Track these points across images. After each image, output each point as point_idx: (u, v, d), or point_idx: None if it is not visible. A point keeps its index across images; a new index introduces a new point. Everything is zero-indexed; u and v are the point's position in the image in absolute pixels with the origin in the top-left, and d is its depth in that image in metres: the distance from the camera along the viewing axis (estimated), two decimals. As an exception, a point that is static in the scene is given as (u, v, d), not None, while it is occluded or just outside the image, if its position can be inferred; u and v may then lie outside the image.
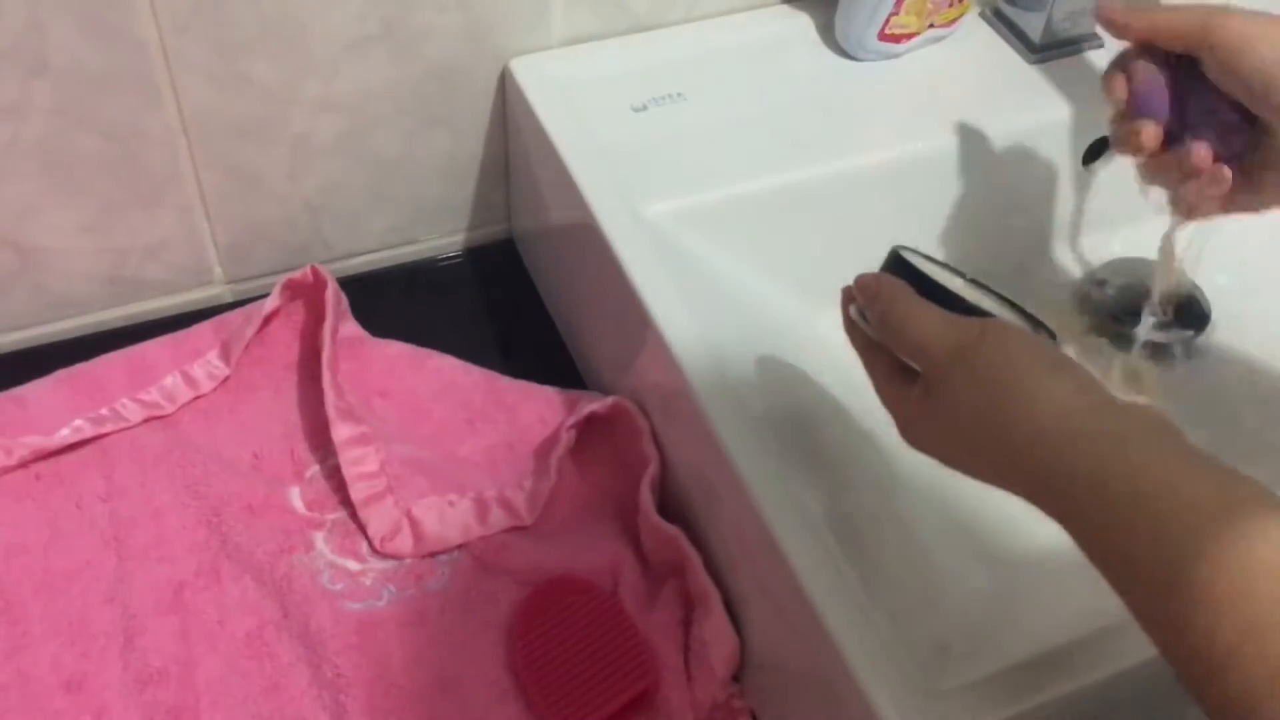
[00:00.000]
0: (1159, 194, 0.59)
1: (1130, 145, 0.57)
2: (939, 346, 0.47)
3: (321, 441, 0.68)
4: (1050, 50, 0.76)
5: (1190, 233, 0.67)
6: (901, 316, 0.49)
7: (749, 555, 0.57)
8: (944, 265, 0.54)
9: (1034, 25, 0.75)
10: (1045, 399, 0.44)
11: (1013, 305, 0.53)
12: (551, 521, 0.66)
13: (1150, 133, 0.56)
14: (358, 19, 0.67)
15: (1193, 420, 0.68)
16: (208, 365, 0.70)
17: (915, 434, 0.50)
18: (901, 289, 0.50)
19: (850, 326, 0.53)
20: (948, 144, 0.71)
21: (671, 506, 0.64)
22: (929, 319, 0.48)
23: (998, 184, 0.73)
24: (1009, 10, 0.77)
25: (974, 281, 0.54)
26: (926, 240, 0.73)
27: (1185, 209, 0.59)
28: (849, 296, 0.53)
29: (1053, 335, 0.52)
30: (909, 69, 0.75)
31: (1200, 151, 0.55)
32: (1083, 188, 0.76)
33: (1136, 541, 0.39)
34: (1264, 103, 0.53)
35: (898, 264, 0.53)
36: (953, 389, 0.46)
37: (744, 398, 0.57)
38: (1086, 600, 0.57)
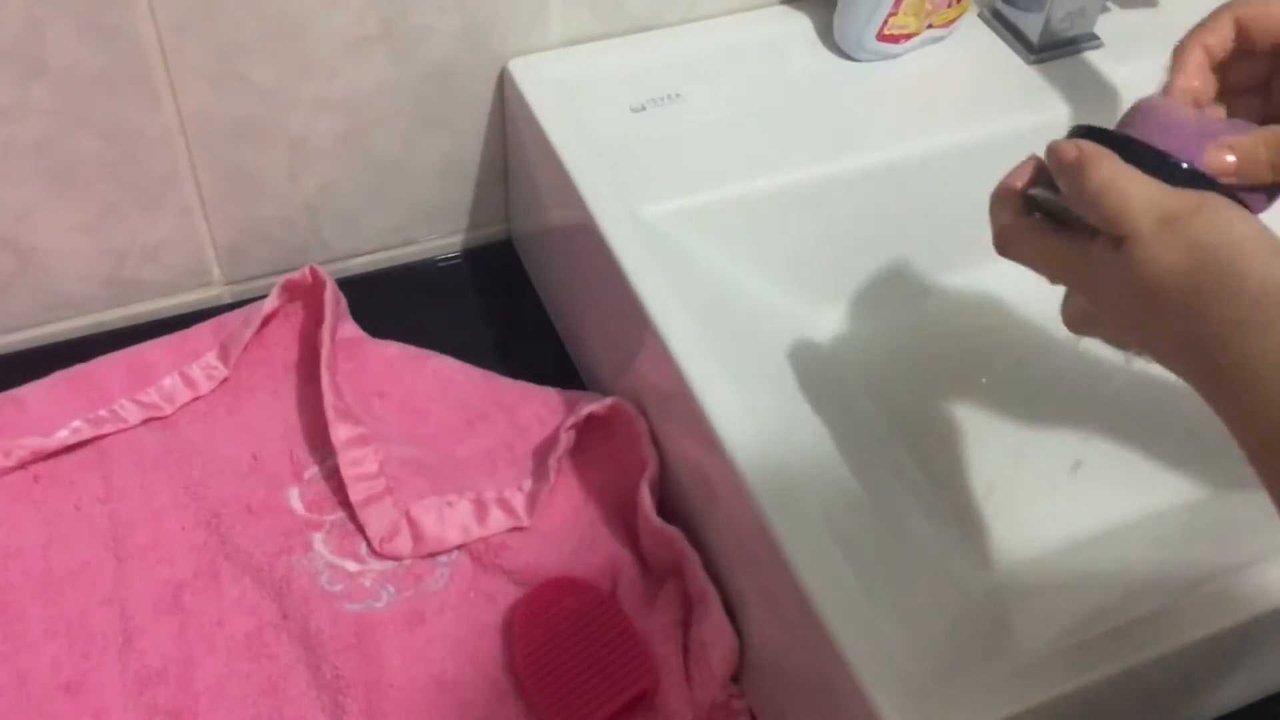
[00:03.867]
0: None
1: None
2: (1149, 213, 0.44)
3: (320, 442, 0.68)
4: (1049, 51, 0.76)
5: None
6: (1106, 179, 0.45)
7: (748, 556, 0.57)
8: None
9: (1033, 26, 0.75)
10: (1255, 279, 0.41)
11: (1229, 187, 0.47)
12: (550, 522, 0.66)
13: None
14: (356, 20, 0.67)
15: (1192, 420, 0.68)
16: (206, 366, 0.70)
17: (1094, 294, 0.47)
18: (1104, 152, 0.46)
19: (1008, 203, 0.50)
20: (946, 144, 0.71)
21: (670, 507, 0.64)
22: (1136, 182, 0.44)
23: (996, 185, 0.72)
24: (1008, 11, 0.77)
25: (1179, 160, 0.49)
26: (925, 240, 0.73)
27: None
28: (1030, 172, 0.50)
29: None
30: (907, 69, 0.75)
31: None
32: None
33: None
34: None
35: (1087, 132, 0.48)
36: (1156, 252, 0.43)
37: (742, 398, 0.57)
38: (1086, 601, 0.57)
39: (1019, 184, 0.50)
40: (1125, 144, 0.47)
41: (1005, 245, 0.51)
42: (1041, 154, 0.50)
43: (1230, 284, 0.41)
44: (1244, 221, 0.43)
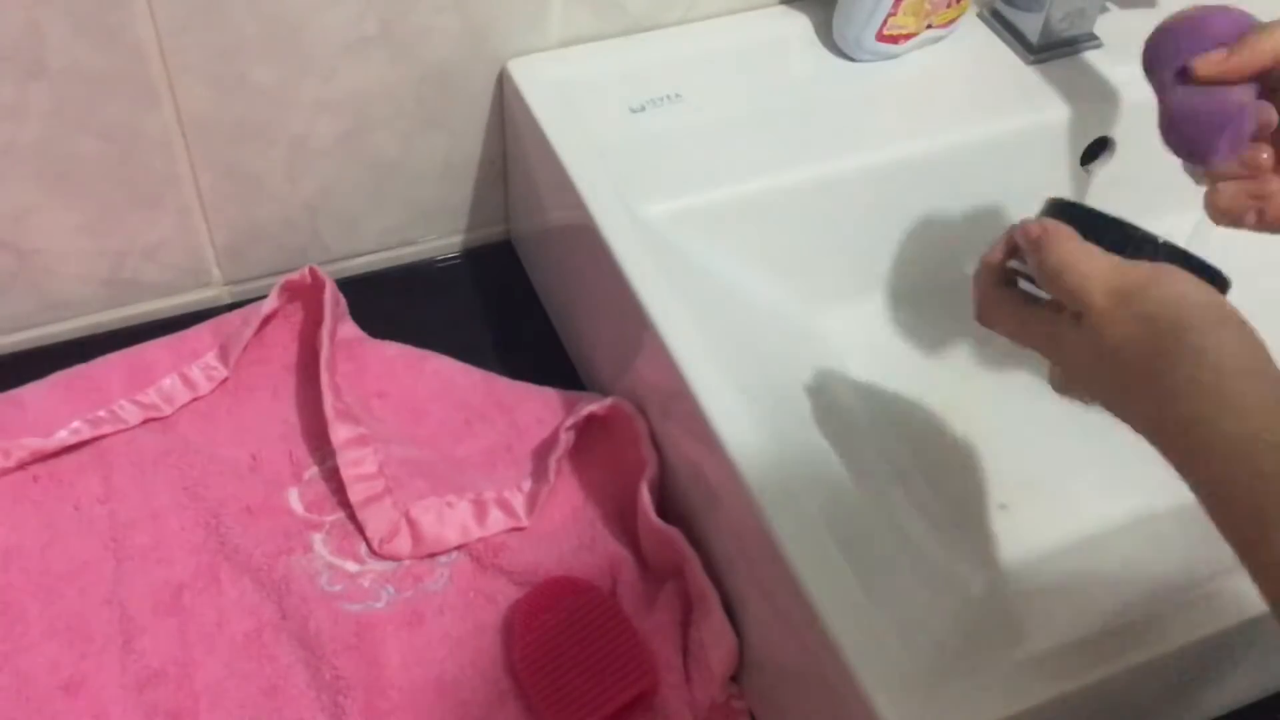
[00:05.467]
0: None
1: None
2: (1102, 286, 0.46)
3: (320, 443, 0.68)
4: (1048, 51, 0.76)
5: (1189, 233, 0.67)
6: (1065, 258, 0.48)
7: (748, 556, 0.57)
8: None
9: (1032, 26, 0.75)
10: (1211, 352, 0.42)
11: (1186, 253, 0.50)
12: (550, 522, 0.66)
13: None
14: (356, 20, 0.67)
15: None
16: (206, 367, 0.70)
17: (1064, 365, 0.49)
18: (1065, 231, 0.49)
19: (989, 274, 0.52)
20: (946, 145, 0.71)
21: (670, 507, 0.64)
22: (1095, 262, 0.47)
23: (995, 185, 0.73)
24: (1007, 11, 0.77)
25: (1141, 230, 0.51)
26: (925, 240, 0.73)
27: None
28: (1007, 247, 0.52)
29: (1227, 283, 0.49)
30: (907, 70, 0.75)
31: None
32: (1081, 188, 0.76)
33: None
34: None
35: (1059, 208, 0.51)
36: (1113, 329, 0.45)
37: (742, 398, 0.57)
38: (1086, 600, 0.57)
39: (998, 257, 0.53)
40: (1089, 217, 0.49)
41: (983, 314, 0.53)
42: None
43: (1186, 359, 0.43)
44: (1195, 292, 0.45)
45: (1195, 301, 0.45)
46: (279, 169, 0.72)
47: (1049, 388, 0.53)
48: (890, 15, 0.72)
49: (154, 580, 0.62)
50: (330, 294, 0.71)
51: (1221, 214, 0.56)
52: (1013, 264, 0.52)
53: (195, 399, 0.70)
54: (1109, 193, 0.76)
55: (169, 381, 0.70)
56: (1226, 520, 0.41)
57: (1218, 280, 0.49)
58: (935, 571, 0.60)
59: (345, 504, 0.65)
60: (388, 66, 0.70)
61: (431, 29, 0.69)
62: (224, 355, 0.71)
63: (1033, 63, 0.75)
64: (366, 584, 0.63)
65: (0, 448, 0.65)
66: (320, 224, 0.76)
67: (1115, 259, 0.47)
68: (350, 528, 0.65)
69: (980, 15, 0.79)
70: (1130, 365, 0.45)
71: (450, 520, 0.64)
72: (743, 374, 0.59)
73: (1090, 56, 0.76)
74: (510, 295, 0.80)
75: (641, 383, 0.65)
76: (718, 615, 0.59)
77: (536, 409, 0.71)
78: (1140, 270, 0.46)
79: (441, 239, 0.81)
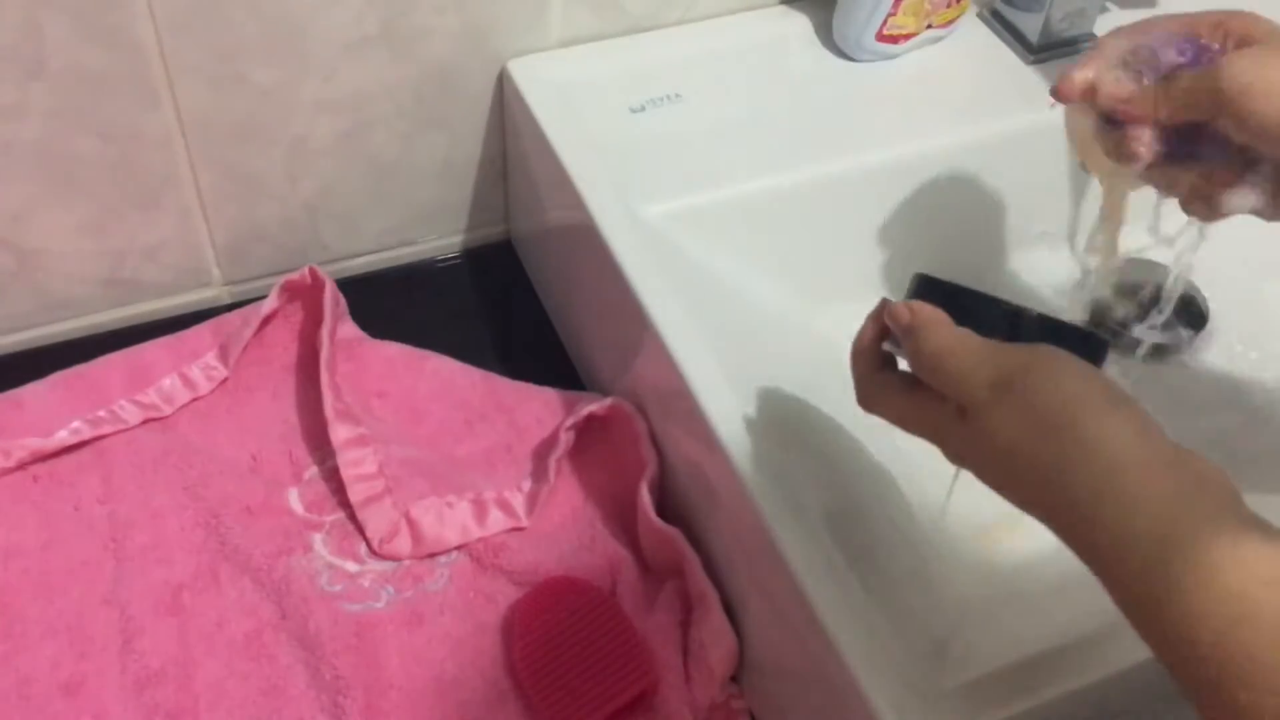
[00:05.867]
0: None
1: (1125, 154, 0.53)
2: (980, 379, 0.44)
3: (320, 443, 0.68)
4: (1048, 51, 0.76)
5: (1189, 233, 0.67)
6: (939, 349, 0.45)
7: (748, 556, 0.57)
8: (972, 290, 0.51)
9: (1032, 26, 0.75)
10: (1100, 446, 0.41)
11: (1059, 322, 0.49)
12: (550, 523, 0.66)
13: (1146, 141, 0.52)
14: (356, 20, 0.67)
15: (1191, 420, 0.68)
16: (206, 367, 0.70)
17: (953, 455, 0.47)
18: (935, 317, 0.47)
19: (862, 358, 0.50)
20: (945, 145, 0.71)
21: (670, 507, 0.64)
22: (968, 348, 0.45)
23: (995, 184, 0.73)
24: (1007, 11, 0.77)
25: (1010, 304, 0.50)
26: (924, 241, 0.73)
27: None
28: (877, 328, 0.49)
29: (1105, 344, 0.47)
30: (907, 70, 0.75)
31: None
32: (1081, 188, 0.76)
33: (1187, 621, 0.37)
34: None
35: (925, 286, 0.49)
36: (996, 421, 0.43)
37: (742, 398, 0.57)
38: (1084, 601, 0.57)
39: (869, 339, 0.50)
40: (957, 294, 0.48)
41: (864, 402, 0.50)
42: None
43: (1075, 454, 0.41)
44: (1073, 376, 0.43)
45: (1078, 388, 0.43)
46: (279, 169, 0.72)
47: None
48: (890, 15, 0.72)
49: (154, 580, 0.62)
50: (330, 294, 0.71)
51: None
52: (886, 346, 0.49)
53: (195, 399, 0.70)
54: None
55: (169, 381, 0.70)
56: (1122, 604, 0.40)
57: (1096, 346, 0.47)
58: (935, 571, 0.60)
59: (345, 504, 0.65)
60: (388, 66, 0.70)
61: (431, 29, 0.69)
62: (224, 355, 0.71)
63: (1033, 63, 0.75)
64: (366, 584, 0.63)
65: (0, 448, 0.65)
66: (320, 224, 0.76)
67: (990, 345, 0.45)
68: (350, 528, 0.65)
69: (980, 15, 0.79)
70: (1019, 461, 0.43)
71: (450, 520, 0.64)
72: (743, 374, 0.59)
73: (1090, 56, 0.76)
74: (510, 295, 0.80)
75: (641, 383, 0.65)
76: (718, 615, 0.59)
77: (536, 409, 0.71)
78: (1017, 356, 0.44)
79: (441, 239, 0.81)
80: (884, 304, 0.49)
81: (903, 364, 0.49)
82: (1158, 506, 0.39)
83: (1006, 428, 0.43)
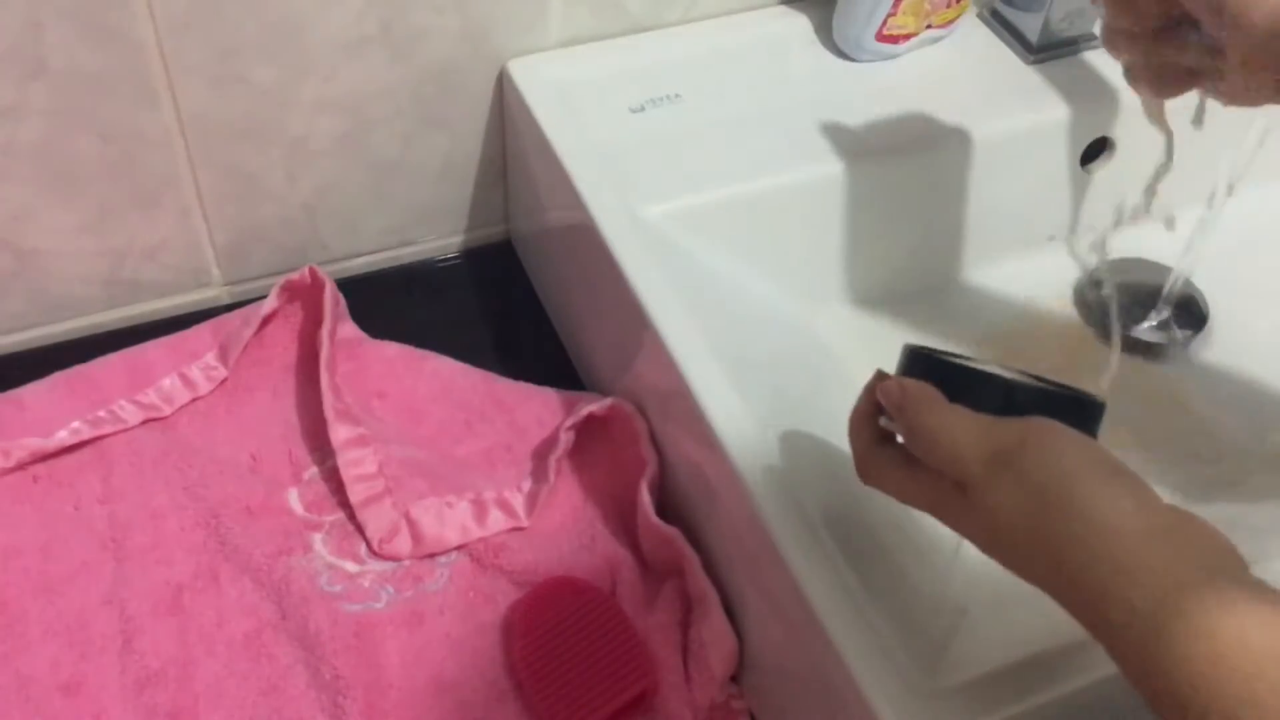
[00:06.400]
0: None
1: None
2: (975, 456, 0.44)
3: (320, 443, 0.68)
4: (1048, 51, 0.76)
5: (1189, 235, 0.67)
6: (933, 427, 0.45)
7: (747, 556, 0.57)
8: (964, 357, 0.49)
9: (1032, 26, 0.75)
10: (1096, 518, 0.41)
11: (1054, 385, 0.48)
12: (550, 523, 0.66)
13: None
14: (355, 20, 0.67)
15: (1191, 421, 0.68)
16: (206, 367, 0.70)
17: (956, 530, 0.46)
18: (928, 394, 0.46)
19: (861, 432, 0.50)
20: (945, 145, 0.71)
21: (670, 507, 0.64)
22: (961, 426, 0.45)
23: (995, 185, 0.73)
24: (1007, 11, 0.77)
25: (1006, 368, 0.49)
26: (925, 240, 0.73)
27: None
28: (872, 401, 0.49)
29: (1101, 407, 0.47)
30: (907, 70, 0.75)
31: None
32: (1080, 188, 0.76)
33: (1192, 700, 0.37)
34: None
35: (916, 360, 0.49)
36: (994, 499, 0.43)
37: (742, 398, 0.57)
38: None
39: (866, 412, 0.50)
40: (948, 369, 0.47)
41: (864, 474, 0.50)
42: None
43: (1077, 527, 0.41)
44: (1071, 448, 0.43)
45: (1074, 461, 0.42)
46: (279, 169, 0.72)
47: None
48: (890, 15, 0.72)
49: (154, 580, 0.62)
50: (330, 294, 0.71)
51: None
52: (883, 422, 0.49)
53: (195, 399, 0.70)
54: (1108, 193, 0.76)
55: (169, 382, 0.70)
56: (1129, 679, 0.40)
57: (1092, 411, 0.47)
58: (934, 572, 0.60)
59: (345, 504, 0.65)
60: (388, 66, 0.70)
61: (431, 29, 0.69)
62: (224, 355, 0.71)
63: (1033, 63, 0.75)
64: (366, 584, 0.63)
65: (0, 448, 0.65)
66: (320, 224, 0.76)
67: (984, 421, 0.45)
68: (350, 528, 0.65)
69: (980, 15, 0.79)
70: (1019, 537, 0.43)
71: (450, 520, 0.64)
72: (743, 374, 0.59)
73: (1090, 56, 0.76)
74: (510, 295, 0.80)
75: (641, 383, 0.65)
76: (718, 615, 0.59)
77: (536, 409, 0.71)
78: (1012, 431, 0.44)
79: (441, 239, 0.81)
80: (879, 377, 0.49)
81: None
82: (1159, 576, 0.39)
83: (1004, 505, 0.43)
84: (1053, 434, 0.43)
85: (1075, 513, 0.41)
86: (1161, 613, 0.38)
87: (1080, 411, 0.46)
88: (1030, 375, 0.48)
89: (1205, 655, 0.37)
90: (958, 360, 0.48)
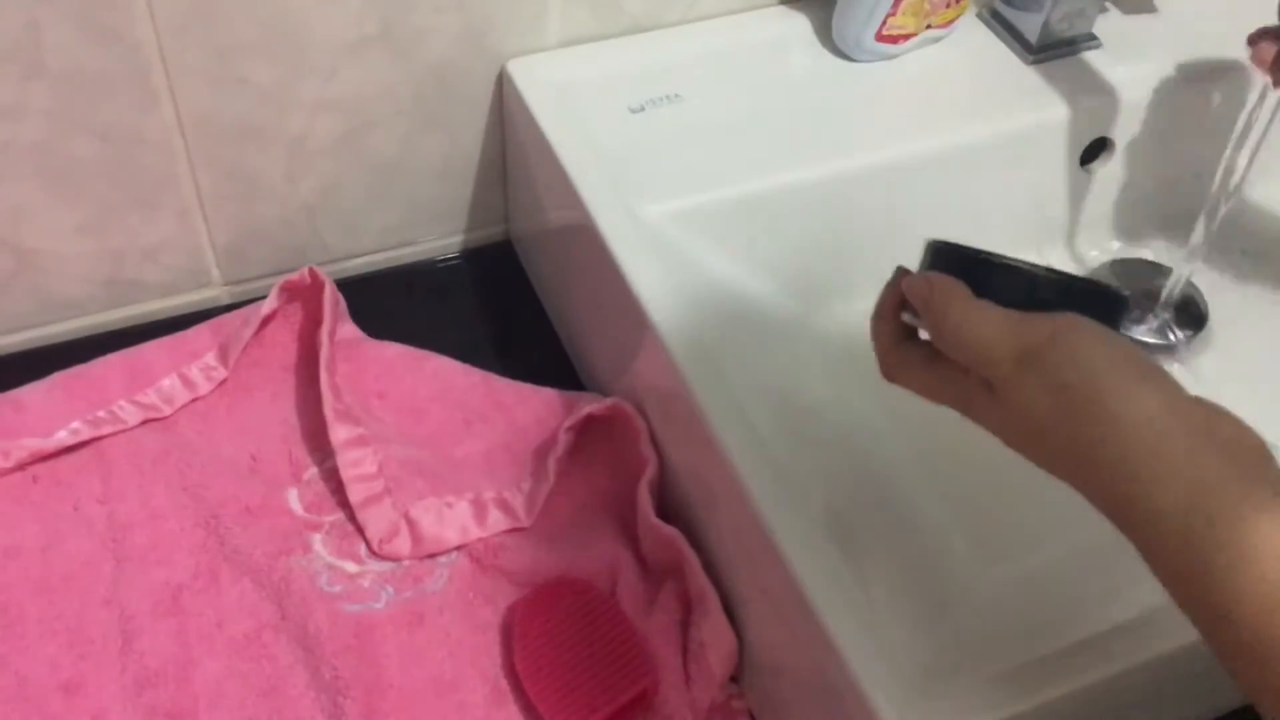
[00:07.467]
0: None
1: None
2: (1003, 353, 0.43)
3: (319, 443, 0.68)
4: (1048, 51, 0.76)
5: (1189, 236, 0.67)
6: (958, 322, 0.45)
7: (747, 556, 0.57)
8: (987, 252, 0.49)
9: (1031, 26, 0.75)
10: (1127, 419, 0.40)
11: (1077, 282, 0.48)
12: (550, 523, 0.66)
13: None
14: (355, 20, 0.67)
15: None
16: (205, 367, 0.70)
17: (983, 426, 0.46)
18: (954, 289, 0.46)
19: (883, 330, 0.49)
20: (945, 145, 0.71)
21: (670, 507, 0.64)
22: (989, 322, 0.44)
23: (995, 185, 0.73)
24: (1006, 11, 0.77)
25: (1029, 263, 0.48)
26: (923, 241, 0.73)
27: None
28: (895, 298, 0.49)
29: (1125, 300, 0.46)
30: (906, 70, 0.75)
31: None
32: (1080, 188, 0.76)
33: (1224, 601, 0.37)
34: None
35: (940, 255, 0.48)
36: (1023, 397, 0.43)
37: (742, 398, 0.57)
38: (1086, 601, 0.57)
39: (889, 310, 0.49)
40: (974, 261, 0.47)
41: (889, 374, 0.50)
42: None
43: (1107, 429, 0.41)
44: (1098, 347, 0.42)
45: (1103, 360, 0.42)
46: (278, 169, 0.72)
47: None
48: (890, 15, 0.72)
49: (153, 581, 0.62)
50: (330, 294, 0.71)
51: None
52: (906, 317, 0.48)
53: (195, 399, 0.70)
54: (1108, 193, 0.76)
55: (168, 382, 0.70)
56: (1160, 576, 0.40)
57: (1117, 304, 0.46)
58: (935, 571, 0.60)
59: (345, 504, 0.65)
60: (388, 66, 0.70)
61: (431, 29, 0.69)
62: (223, 356, 0.71)
63: (1032, 63, 0.75)
64: (366, 584, 0.63)
65: (0, 448, 0.65)
66: (320, 224, 0.76)
67: (1012, 317, 0.44)
68: (350, 528, 0.65)
69: (980, 15, 0.79)
70: (1048, 435, 0.43)
71: (450, 520, 0.64)
72: (743, 374, 0.59)
73: (1090, 56, 0.76)
74: (510, 296, 0.80)
75: (641, 383, 0.65)
76: (718, 615, 0.59)
77: (536, 409, 0.71)
78: (1041, 328, 0.43)
79: (441, 239, 0.81)
80: (901, 273, 0.49)
81: (924, 332, 0.48)
82: (1187, 479, 0.39)
83: (1033, 403, 0.43)
84: (1082, 331, 0.43)
85: (1103, 413, 0.41)
86: (1190, 517, 0.38)
87: (1104, 304, 0.46)
88: (1054, 270, 0.48)
89: (1245, 571, 0.37)
90: (982, 254, 0.48)
